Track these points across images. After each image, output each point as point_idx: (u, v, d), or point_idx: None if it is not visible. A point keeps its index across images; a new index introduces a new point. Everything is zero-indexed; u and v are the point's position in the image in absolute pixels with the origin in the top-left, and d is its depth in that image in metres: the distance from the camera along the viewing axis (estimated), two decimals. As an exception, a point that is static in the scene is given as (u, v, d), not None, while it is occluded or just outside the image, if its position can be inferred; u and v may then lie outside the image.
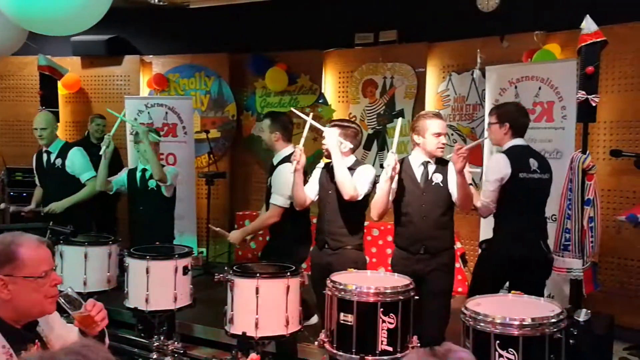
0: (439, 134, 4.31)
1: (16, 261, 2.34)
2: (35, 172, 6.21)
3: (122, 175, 5.77)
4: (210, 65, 8.55)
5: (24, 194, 8.14)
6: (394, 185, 4.32)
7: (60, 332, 2.61)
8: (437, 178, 4.30)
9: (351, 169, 4.49)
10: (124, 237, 5.97)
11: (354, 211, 4.54)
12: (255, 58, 8.22)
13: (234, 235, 5.24)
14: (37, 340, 2.43)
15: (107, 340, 2.70)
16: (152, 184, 5.57)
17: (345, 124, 4.71)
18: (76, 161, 5.92)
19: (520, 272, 4.45)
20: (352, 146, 4.58)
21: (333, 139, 4.46)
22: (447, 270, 4.34)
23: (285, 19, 7.89)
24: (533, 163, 4.53)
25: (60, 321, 2.66)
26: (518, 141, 4.61)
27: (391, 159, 4.17)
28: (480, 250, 4.86)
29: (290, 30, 7.89)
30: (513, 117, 4.62)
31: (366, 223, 4.77)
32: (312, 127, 4.58)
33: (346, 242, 4.51)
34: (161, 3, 7.75)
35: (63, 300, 2.53)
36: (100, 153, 5.52)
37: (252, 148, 8.46)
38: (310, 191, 4.68)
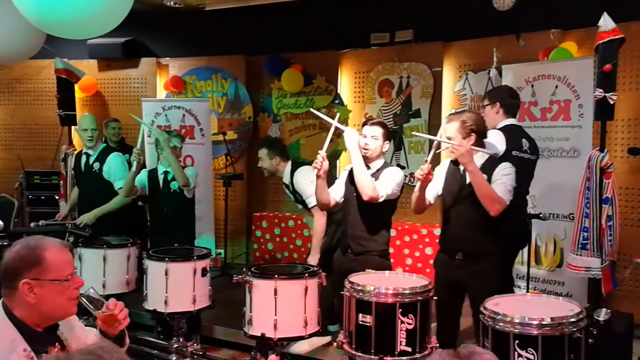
0: (448, 137, 4.19)
1: (42, 265, 2.37)
2: (73, 172, 6.22)
3: (142, 177, 5.80)
4: (227, 67, 8.58)
5: (42, 197, 8.23)
6: (438, 185, 4.29)
7: (79, 334, 2.65)
8: None
9: (379, 170, 4.44)
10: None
11: (379, 215, 4.45)
12: (271, 59, 8.23)
13: (313, 260, 5.16)
14: (57, 343, 2.47)
15: (127, 340, 2.74)
16: (174, 185, 5.61)
17: (385, 123, 4.67)
18: (114, 167, 5.92)
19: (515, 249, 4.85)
20: (389, 145, 4.56)
21: (353, 140, 4.37)
22: (488, 278, 4.05)
23: (300, 20, 7.89)
24: (525, 143, 4.72)
25: (79, 324, 2.70)
26: (511, 120, 4.83)
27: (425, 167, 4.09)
28: None
29: (305, 31, 7.90)
30: (502, 96, 4.87)
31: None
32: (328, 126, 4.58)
33: (370, 247, 4.43)
34: (177, 5, 7.78)
35: (85, 301, 2.57)
36: (133, 169, 5.57)
37: (269, 149, 8.47)
38: (336, 192, 4.59)
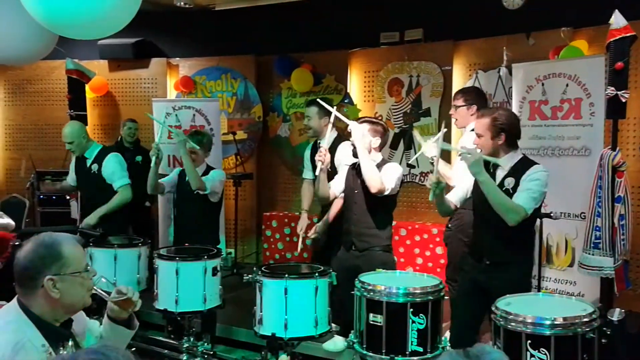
0: (477, 134, 4.03)
1: (62, 260, 2.43)
2: (75, 173, 6.19)
3: (173, 177, 5.76)
4: (237, 67, 8.59)
5: (53, 197, 8.25)
6: (465, 186, 4.15)
7: (85, 326, 2.71)
8: (509, 183, 3.87)
9: (378, 166, 4.48)
10: (164, 240, 5.95)
11: (382, 211, 4.52)
12: (280, 59, 8.23)
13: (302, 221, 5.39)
14: (70, 339, 2.51)
15: (136, 321, 2.82)
16: None
17: (374, 120, 4.74)
18: (111, 167, 5.85)
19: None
20: (380, 142, 4.58)
21: (359, 134, 4.43)
22: (516, 287, 3.71)
23: (310, 20, 7.90)
24: None
25: (85, 317, 2.75)
26: None
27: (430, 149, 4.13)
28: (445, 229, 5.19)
29: (315, 30, 7.90)
30: (478, 99, 5.01)
31: (394, 223, 4.76)
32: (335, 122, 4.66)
33: (374, 243, 4.48)
34: (187, 5, 7.79)
35: (100, 291, 2.66)
36: (152, 165, 5.43)
37: (279, 149, 8.49)
38: (336, 187, 4.68)
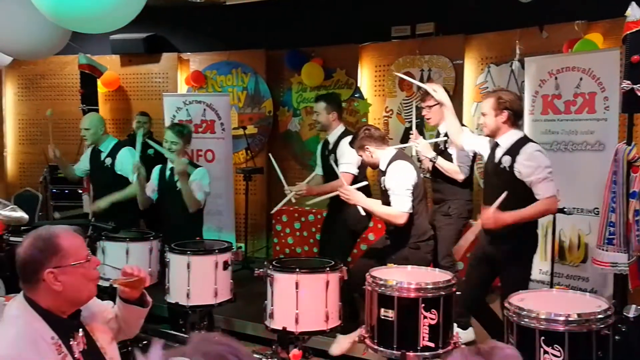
0: (482, 113, 4.28)
1: (61, 252, 2.40)
2: (89, 165, 6.23)
3: (154, 178, 5.65)
4: (247, 62, 8.57)
5: (66, 191, 8.30)
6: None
7: (97, 313, 2.69)
8: (506, 161, 4.10)
9: (387, 167, 4.54)
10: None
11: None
12: (291, 53, 8.22)
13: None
14: (80, 329, 2.51)
15: (149, 298, 2.83)
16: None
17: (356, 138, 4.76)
18: (125, 162, 5.84)
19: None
20: (369, 153, 4.63)
21: (357, 196, 4.54)
22: (519, 261, 4.12)
23: (321, 14, 7.87)
24: None
25: (94, 302, 2.72)
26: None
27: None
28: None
29: (326, 24, 7.87)
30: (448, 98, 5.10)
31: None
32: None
33: (404, 242, 4.54)
34: (198, 0, 7.78)
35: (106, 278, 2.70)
36: (135, 184, 5.45)
37: (289, 143, 8.47)
38: None
